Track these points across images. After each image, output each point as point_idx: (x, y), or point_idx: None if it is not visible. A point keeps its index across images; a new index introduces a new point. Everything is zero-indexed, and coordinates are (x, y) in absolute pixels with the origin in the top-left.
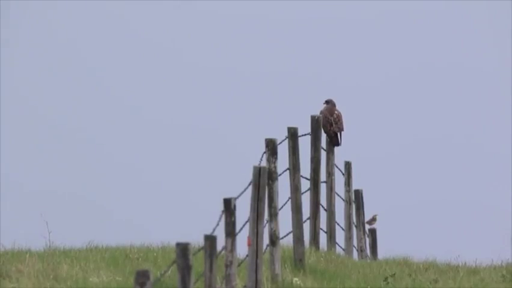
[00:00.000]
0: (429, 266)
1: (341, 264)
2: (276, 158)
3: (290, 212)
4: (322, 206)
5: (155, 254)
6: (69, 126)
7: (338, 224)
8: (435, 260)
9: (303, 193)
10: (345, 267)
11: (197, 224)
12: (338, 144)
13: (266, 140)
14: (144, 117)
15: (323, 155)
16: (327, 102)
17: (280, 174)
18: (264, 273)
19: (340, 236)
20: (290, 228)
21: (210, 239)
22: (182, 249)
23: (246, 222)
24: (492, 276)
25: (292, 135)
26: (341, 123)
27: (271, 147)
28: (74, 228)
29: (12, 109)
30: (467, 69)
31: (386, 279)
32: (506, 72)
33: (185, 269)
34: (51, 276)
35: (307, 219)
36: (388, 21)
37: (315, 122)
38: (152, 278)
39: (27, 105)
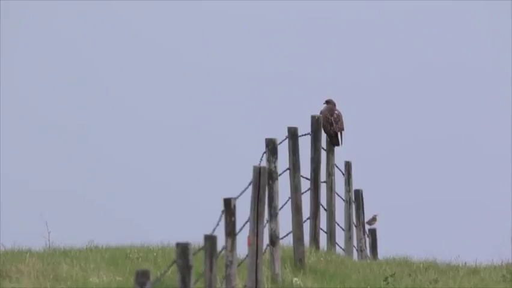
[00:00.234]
0: (429, 266)
1: (341, 264)
2: (276, 158)
3: (290, 212)
4: (322, 206)
5: (155, 254)
6: (69, 126)
7: (338, 224)
8: (435, 260)
9: (303, 193)
10: (345, 267)
11: (197, 224)
12: (338, 144)
13: (266, 140)
14: (144, 117)
15: (323, 155)
16: (327, 102)
17: (280, 174)
18: (264, 273)
19: (340, 236)
20: (290, 228)
21: (210, 239)
22: (183, 249)
23: (246, 222)
24: (492, 276)
25: (293, 135)
26: (341, 123)
27: (271, 147)
28: (74, 228)
29: (12, 109)
30: (466, 69)
31: (386, 279)
32: (506, 72)
33: (185, 269)
34: (51, 276)
35: (308, 219)
36: (388, 21)
37: (315, 122)
38: (152, 278)
39: (27, 105)
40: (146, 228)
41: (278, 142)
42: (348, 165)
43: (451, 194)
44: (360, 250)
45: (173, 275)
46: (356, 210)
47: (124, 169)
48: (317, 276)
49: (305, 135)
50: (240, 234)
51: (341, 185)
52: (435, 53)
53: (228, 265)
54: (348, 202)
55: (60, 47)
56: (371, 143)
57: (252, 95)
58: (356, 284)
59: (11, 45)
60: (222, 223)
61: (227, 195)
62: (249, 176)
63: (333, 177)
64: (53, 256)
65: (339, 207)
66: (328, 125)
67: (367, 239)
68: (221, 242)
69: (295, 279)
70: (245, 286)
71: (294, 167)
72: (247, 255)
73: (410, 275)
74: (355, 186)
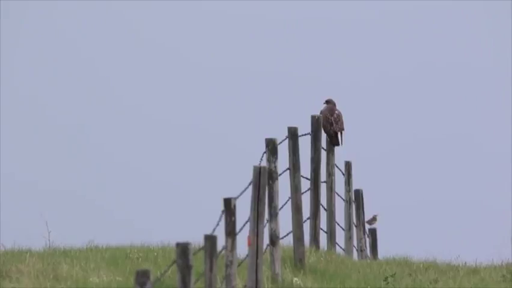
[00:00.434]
0: (430, 266)
1: (341, 264)
2: (276, 158)
3: (290, 212)
4: (322, 206)
5: (155, 254)
6: (69, 126)
7: (338, 224)
8: (435, 260)
9: (303, 193)
10: (345, 267)
11: (197, 224)
12: (338, 144)
13: (266, 139)
14: (144, 117)
15: (323, 155)
16: (328, 102)
17: (280, 174)
18: (264, 273)
19: (340, 236)
20: (290, 228)
21: (210, 239)
22: (183, 249)
23: (246, 222)
24: (492, 276)
25: (293, 135)
26: (341, 123)
27: (271, 147)
28: (74, 228)
29: (12, 109)
30: (466, 69)
31: (386, 279)
32: (506, 72)
33: (185, 268)
34: (52, 276)
35: (308, 219)
36: (388, 21)
37: (315, 121)
38: (152, 278)
39: (27, 105)
40: (146, 228)
41: (278, 142)
42: (348, 165)
43: (451, 194)
44: (360, 250)
45: (173, 274)
46: (356, 210)
47: (124, 169)
48: (317, 276)
49: (305, 135)
50: (240, 234)
51: (341, 185)
52: (434, 52)
53: (228, 265)
54: (348, 202)
55: (60, 46)
56: (371, 143)
57: (252, 95)
58: (356, 284)
59: (12, 44)
60: (222, 223)
61: (227, 195)
62: (249, 176)
63: (333, 177)
64: (53, 256)
65: (339, 207)
66: (328, 125)
67: (367, 239)
68: (221, 242)
69: (295, 279)
70: (245, 286)
71: (294, 167)
72: (247, 255)
73: (410, 275)
74: (355, 186)
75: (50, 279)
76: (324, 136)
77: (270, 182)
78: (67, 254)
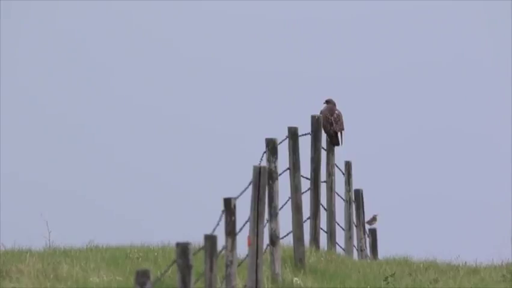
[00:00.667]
0: (430, 266)
1: (341, 264)
2: (276, 158)
3: (290, 212)
4: (322, 206)
5: (155, 254)
6: (69, 125)
7: (338, 223)
8: (435, 259)
9: (303, 193)
10: (346, 267)
11: (197, 223)
12: (338, 144)
13: (266, 139)
14: (144, 117)
15: (323, 154)
16: (328, 101)
17: (280, 174)
18: (264, 273)
19: (340, 236)
20: (290, 228)
21: (210, 239)
22: (183, 249)
23: (246, 222)
24: (492, 276)
25: (293, 134)
26: (341, 123)
27: (271, 147)
28: (74, 228)
29: (13, 108)
30: (467, 66)
31: (386, 278)
32: (507, 69)
33: (185, 268)
34: (52, 276)
35: (308, 219)
36: (388, 20)
37: (315, 121)
38: (152, 277)
39: (27, 104)
40: (146, 228)
41: (278, 142)
42: (348, 165)
43: (450, 194)
44: (361, 250)
45: (173, 274)
46: (356, 210)
47: (124, 169)
48: (317, 276)
49: (305, 135)
50: (240, 234)
51: (341, 184)
52: (434, 52)
53: (228, 265)
54: (348, 202)
55: (60, 46)
56: (371, 143)
57: (252, 94)
58: (356, 283)
59: (13, 43)
60: (222, 223)
61: (227, 195)
62: (249, 175)
63: (333, 177)
64: (54, 256)
65: (339, 207)
66: (328, 125)
67: (367, 239)
68: (221, 241)
69: (295, 279)
70: (245, 286)
71: (294, 166)
72: (247, 255)
73: (410, 274)
74: (355, 186)
75: (50, 279)
76: (324, 136)
77: (270, 182)
78: (67, 254)
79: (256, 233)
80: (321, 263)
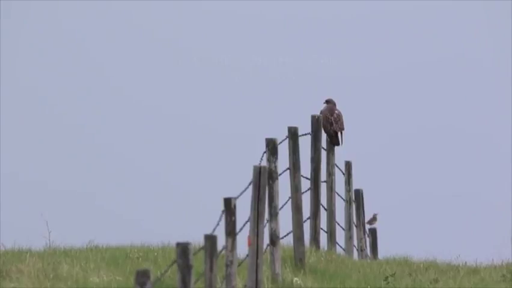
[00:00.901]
0: (430, 266)
1: (341, 264)
2: (276, 158)
3: (290, 212)
4: (322, 206)
5: (155, 254)
6: (70, 126)
7: (338, 223)
8: (435, 259)
9: (303, 193)
10: (346, 267)
11: (197, 223)
12: (338, 143)
13: (266, 139)
14: (144, 117)
15: (323, 154)
16: (328, 101)
17: (280, 174)
18: (265, 273)
19: (340, 236)
20: (290, 228)
21: (211, 239)
22: (183, 249)
23: (247, 222)
24: (492, 276)
25: (293, 134)
26: (341, 123)
27: (271, 146)
28: (74, 228)
29: (13, 108)
30: (466, 68)
31: (386, 278)
32: (507, 68)
33: (185, 268)
34: (52, 276)
35: (308, 219)
36: (387, 19)
37: (315, 121)
38: (152, 277)
39: (28, 104)
40: (146, 228)
41: (278, 142)
42: (348, 164)
43: (450, 194)
44: (361, 250)
45: (173, 274)
46: (356, 210)
47: (124, 169)
48: (317, 276)
49: (305, 135)
50: (240, 234)
51: (341, 184)
52: (434, 52)
53: (228, 265)
54: (348, 202)
55: (61, 46)
56: (371, 143)
57: (252, 94)
58: (356, 283)
59: (13, 43)
60: (222, 223)
61: (227, 195)
62: (249, 175)
63: (333, 177)
64: (54, 256)
65: (339, 207)
66: (328, 125)
67: (367, 239)
68: (221, 241)
69: (295, 279)
70: (245, 286)
71: (294, 166)
72: (247, 255)
73: (410, 274)
74: (355, 185)
75: (51, 279)
76: (324, 136)
77: (270, 181)
78: (67, 253)
79: (256, 233)
80: (321, 263)
